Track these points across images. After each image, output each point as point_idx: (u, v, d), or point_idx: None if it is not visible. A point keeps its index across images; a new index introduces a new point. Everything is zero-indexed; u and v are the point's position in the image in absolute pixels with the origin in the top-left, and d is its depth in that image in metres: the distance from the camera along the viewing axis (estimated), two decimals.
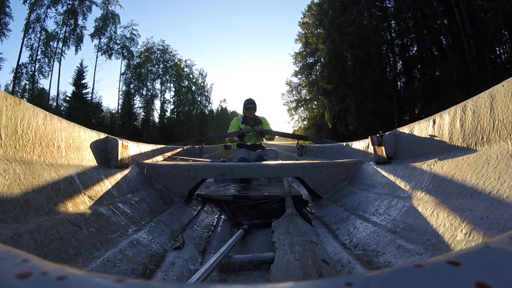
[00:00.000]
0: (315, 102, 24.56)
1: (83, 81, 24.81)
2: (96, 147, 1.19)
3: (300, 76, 25.15)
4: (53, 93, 23.63)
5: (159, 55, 29.36)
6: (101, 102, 26.93)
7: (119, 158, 1.27)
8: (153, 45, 28.85)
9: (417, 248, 0.71)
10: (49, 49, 22.35)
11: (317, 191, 1.65)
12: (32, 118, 0.79)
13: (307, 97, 25.03)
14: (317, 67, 23.34)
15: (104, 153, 1.24)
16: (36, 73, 21.89)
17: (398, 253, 0.74)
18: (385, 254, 0.78)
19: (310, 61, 23.89)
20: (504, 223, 0.57)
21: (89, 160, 1.12)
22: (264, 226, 1.34)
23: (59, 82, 23.27)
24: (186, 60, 32.18)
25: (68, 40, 23.13)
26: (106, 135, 1.29)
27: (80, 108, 22.66)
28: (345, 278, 0.20)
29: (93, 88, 25.05)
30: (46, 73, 22.32)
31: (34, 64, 21.88)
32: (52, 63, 22.44)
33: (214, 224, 1.40)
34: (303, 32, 23.79)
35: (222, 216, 1.54)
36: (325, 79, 21.15)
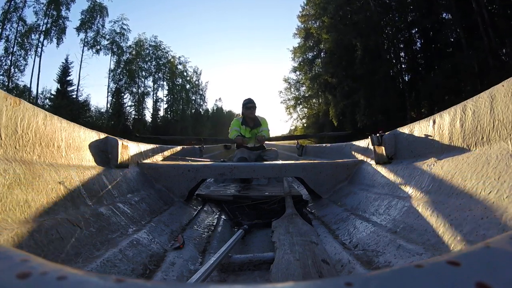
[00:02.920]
0: (314, 100, 23.59)
1: (68, 78, 22.90)
2: (96, 147, 1.19)
3: (299, 72, 24.10)
4: (37, 90, 21.64)
5: (151, 52, 28.08)
6: (89, 100, 25.53)
7: (119, 158, 1.27)
8: (145, 41, 27.51)
9: (417, 248, 0.71)
10: (26, 41, 20.05)
11: (317, 191, 1.65)
12: (32, 118, 0.79)
13: (307, 94, 23.91)
14: (319, 60, 21.91)
15: (104, 153, 1.24)
16: (12, 68, 19.68)
17: (398, 253, 0.74)
18: (385, 254, 0.78)
19: (311, 55, 22.58)
20: (504, 223, 0.57)
21: (89, 160, 1.12)
22: (264, 226, 1.34)
23: (39, 78, 21.12)
24: (179, 57, 31.13)
25: (50, 32, 20.90)
26: (106, 135, 1.29)
27: (63, 106, 20.42)
28: (345, 278, 0.20)
29: (78, 85, 23.23)
30: (22, 66, 20.35)
31: (11, 57, 19.62)
32: (31, 56, 20.30)
33: (214, 224, 1.40)
34: (302, 25, 22.43)
35: (222, 216, 1.54)
36: (329, 72, 19.39)
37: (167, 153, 2.42)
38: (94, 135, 1.19)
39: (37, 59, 20.85)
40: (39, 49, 20.89)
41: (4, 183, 0.63)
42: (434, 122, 1.05)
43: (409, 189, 1.05)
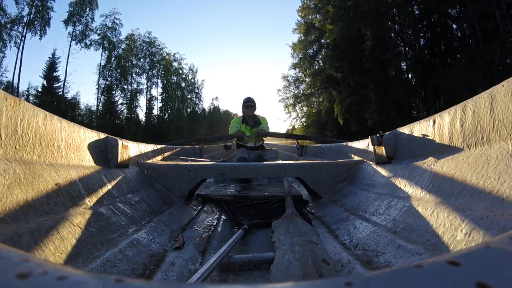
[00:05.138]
0: (313, 99, 22.76)
1: (55, 74, 21.88)
2: (96, 147, 1.19)
3: (298, 69, 23.13)
4: (23, 87, 20.39)
5: (145, 48, 27.19)
6: (79, 98, 24.25)
7: (119, 158, 1.27)
8: (138, 37, 26.59)
9: (417, 248, 0.71)
10: (3, 31, 18.72)
11: (317, 191, 1.65)
12: (32, 118, 0.79)
13: (307, 92, 22.90)
14: (322, 54, 20.53)
15: (104, 153, 1.24)
16: None
17: (398, 253, 0.74)
18: (385, 254, 0.78)
19: (312, 50, 21.48)
20: (504, 223, 0.57)
21: (89, 160, 1.12)
22: (264, 226, 1.34)
23: (20, 73, 19.62)
24: (174, 54, 30.33)
25: (33, 23, 19.31)
26: (106, 135, 1.29)
27: (47, 103, 19.21)
28: (345, 278, 0.20)
29: (64, 81, 22.15)
30: None
31: None
32: (11, 49, 18.94)
33: (214, 224, 1.40)
34: (303, 20, 21.32)
35: (222, 216, 1.54)
36: (333, 66, 17.75)
37: (167, 153, 2.42)
38: (94, 135, 1.19)
39: (19, 53, 19.43)
40: (20, 41, 19.36)
41: (4, 183, 0.63)
42: (434, 122, 1.05)
43: (409, 189, 1.05)
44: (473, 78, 11.92)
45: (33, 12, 19.95)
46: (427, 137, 1.09)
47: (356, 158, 1.81)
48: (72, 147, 1.00)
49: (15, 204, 0.64)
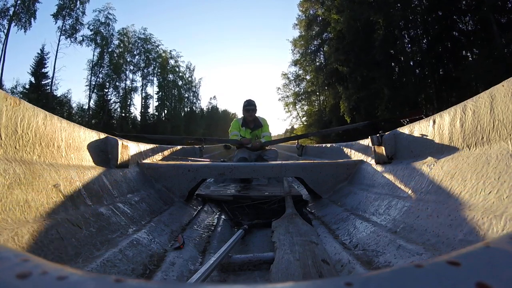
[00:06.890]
0: (313, 98, 22.01)
1: (44, 70, 20.63)
2: (96, 147, 1.19)
3: (299, 66, 22.30)
4: (9, 85, 19.08)
5: (140, 45, 26.19)
6: (70, 96, 23.33)
7: (119, 158, 1.27)
8: (133, 33, 25.51)
9: (417, 248, 0.71)
10: None
11: (317, 191, 1.65)
12: (32, 118, 0.79)
13: (309, 89, 22.10)
14: (325, 48, 19.67)
15: (104, 153, 1.24)
16: None
17: (398, 253, 0.74)
18: (385, 254, 0.78)
19: (315, 43, 20.66)
20: (504, 223, 0.57)
21: (89, 160, 1.12)
22: (264, 226, 1.34)
23: (3, 68, 17.91)
24: (171, 51, 29.28)
25: (18, 15, 17.63)
26: (106, 135, 1.29)
27: (33, 101, 16.73)
28: (345, 278, 0.20)
29: (53, 77, 20.78)
30: None
31: None
32: None
33: (214, 224, 1.40)
34: (304, 15, 20.56)
35: (222, 216, 1.54)
36: (339, 60, 16.38)
37: (167, 153, 2.42)
38: (94, 135, 1.19)
39: (2, 48, 17.86)
40: (3, 36, 17.82)
41: (4, 183, 0.63)
42: (434, 122, 1.05)
43: (409, 189, 1.05)
44: (491, 73, 10.45)
45: (18, 4, 18.41)
46: (427, 137, 1.09)
47: (356, 158, 1.81)
48: (72, 147, 1.00)
49: (15, 204, 0.64)
